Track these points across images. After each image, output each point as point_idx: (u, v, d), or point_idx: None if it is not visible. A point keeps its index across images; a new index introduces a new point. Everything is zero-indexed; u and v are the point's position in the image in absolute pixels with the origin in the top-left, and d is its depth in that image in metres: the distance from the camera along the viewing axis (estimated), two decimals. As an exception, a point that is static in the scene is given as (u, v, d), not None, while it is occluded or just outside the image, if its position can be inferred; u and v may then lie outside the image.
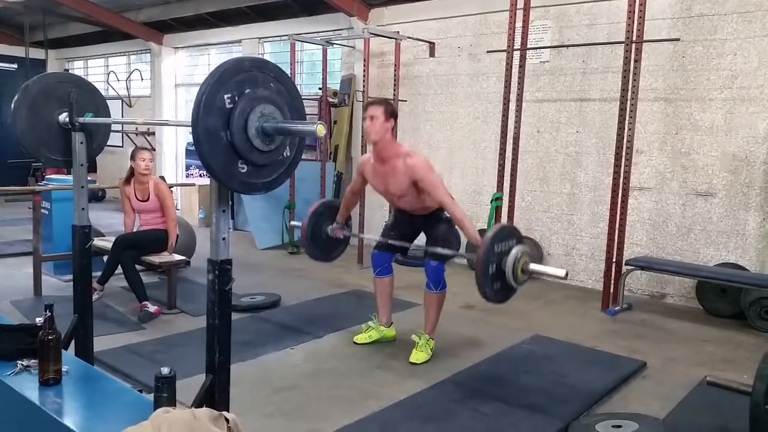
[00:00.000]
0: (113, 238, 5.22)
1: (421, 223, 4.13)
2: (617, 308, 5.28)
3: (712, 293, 5.28)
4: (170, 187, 5.42)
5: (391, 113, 3.84)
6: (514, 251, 3.27)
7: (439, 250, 3.88)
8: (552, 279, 6.41)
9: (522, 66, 5.85)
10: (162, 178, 5.98)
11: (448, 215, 3.95)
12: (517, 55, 5.84)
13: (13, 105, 2.74)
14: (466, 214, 3.81)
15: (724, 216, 5.43)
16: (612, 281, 5.34)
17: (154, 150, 5.52)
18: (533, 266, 3.36)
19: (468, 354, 4.18)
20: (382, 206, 7.36)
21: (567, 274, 3.33)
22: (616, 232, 5.28)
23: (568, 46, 6.19)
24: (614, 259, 5.32)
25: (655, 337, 4.69)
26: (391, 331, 4.39)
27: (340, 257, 4.59)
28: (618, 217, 5.26)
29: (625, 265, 5.32)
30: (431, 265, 3.99)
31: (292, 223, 4.60)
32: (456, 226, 3.97)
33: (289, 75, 2.30)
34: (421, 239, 4.21)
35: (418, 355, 4.00)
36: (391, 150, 3.86)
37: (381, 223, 7.44)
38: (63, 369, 2.17)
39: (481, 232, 6.34)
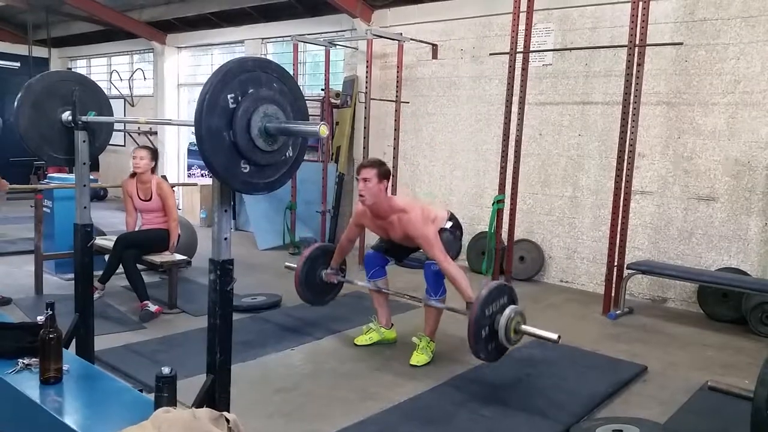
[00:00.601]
0: (115, 237, 5.22)
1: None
2: (618, 312, 5.27)
3: (714, 298, 5.27)
4: (172, 187, 5.42)
5: (384, 174, 3.88)
6: (506, 312, 3.35)
7: (434, 303, 3.99)
8: (554, 282, 6.42)
9: (525, 69, 5.85)
10: (164, 177, 5.99)
11: (450, 228, 4.06)
12: (519, 57, 5.84)
13: (16, 103, 2.75)
14: (459, 272, 3.80)
15: (726, 221, 5.43)
16: (613, 285, 5.34)
17: (156, 150, 5.47)
18: (525, 328, 3.43)
19: (468, 357, 4.15)
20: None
21: (559, 338, 3.38)
22: (618, 235, 5.28)
23: (571, 49, 6.19)
24: (616, 263, 5.32)
25: (656, 342, 4.68)
26: (391, 332, 4.39)
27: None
28: (620, 221, 5.25)
29: (627, 268, 5.31)
30: (432, 269, 3.98)
31: (286, 264, 4.68)
32: (454, 235, 4.10)
33: (292, 75, 2.29)
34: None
35: (418, 358, 3.99)
36: (386, 207, 3.94)
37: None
38: (64, 368, 2.17)
39: (482, 233, 6.39)
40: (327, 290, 4.54)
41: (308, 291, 4.40)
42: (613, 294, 5.35)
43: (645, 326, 5.07)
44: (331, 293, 4.59)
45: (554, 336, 3.35)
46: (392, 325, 4.41)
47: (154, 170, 5.23)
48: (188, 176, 10.92)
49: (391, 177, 4.03)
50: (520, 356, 4.24)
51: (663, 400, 3.60)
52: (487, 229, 6.10)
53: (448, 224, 4.09)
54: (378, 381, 3.74)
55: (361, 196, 3.88)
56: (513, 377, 3.86)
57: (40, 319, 2.15)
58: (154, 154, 5.29)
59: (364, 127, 6.90)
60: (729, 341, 4.75)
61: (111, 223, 7.58)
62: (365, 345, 4.28)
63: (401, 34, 7.10)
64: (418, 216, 3.85)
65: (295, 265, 4.40)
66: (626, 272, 5.32)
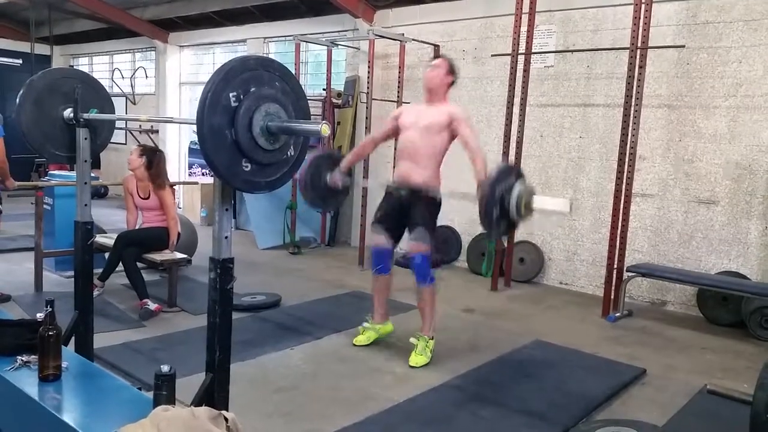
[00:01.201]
0: (115, 235, 5.22)
1: (408, 206, 4.08)
2: (618, 315, 5.27)
3: (713, 301, 5.27)
4: (172, 186, 5.42)
5: (453, 71, 4.14)
6: (515, 191, 3.32)
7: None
8: (553, 284, 6.42)
9: (526, 70, 5.85)
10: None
11: (435, 197, 4.04)
12: (521, 59, 5.84)
13: (18, 100, 2.74)
14: (483, 155, 3.90)
15: (726, 224, 5.43)
16: (613, 287, 5.34)
17: (151, 148, 5.44)
18: (535, 204, 3.42)
19: (468, 358, 4.18)
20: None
21: (571, 207, 3.38)
22: (618, 238, 5.28)
23: (572, 51, 6.19)
24: (615, 266, 5.32)
25: (655, 345, 4.68)
26: (387, 326, 4.41)
27: (340, 257, 4.58)
28: (620, 224, 5.25)
29: (627, 271, 5.31)
30: (415, 262, 4.00)
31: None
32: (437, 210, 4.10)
33: (294, 74, 2.29)
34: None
35: (417, 359, 3.99)
36: (443, 98, 4.12)
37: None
38: (63, 365, 2.17)
39: (482, 235, 6.38)
40: (332, 195, 4.35)
41: (314, 194, 4.25)
42: (612, 296, 5.35)
43: (644, 329, 5.07)
44: (335, 198, 4.42)
45: (565, 205, 3.38)
46: (388, 318, 4.43)
47: (151, 168, 5.13)
48: (189, 175, 10.92)
49: (455, 80, 4.20)
50: (519, 358, 4.25)
51: (662, 403, 3.60)
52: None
53: (432, 195, 4.08)
54: (378, 381, 3.74)
55: (427, 78, 4.09)
56: (512, 379, 3.86)
57: (40, 316, 2.15)
58: (146, 151, 5.18)
59: (366, 127, 6.90)
60: (728, 345, 4.75)
61: (112, 221, 7.59)
62: (365, 345, 4.28)
63: (403, 34, 7.11)
64: (464, 111, 4.13)
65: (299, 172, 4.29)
66: (626, 275, 5.32)
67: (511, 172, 3.45)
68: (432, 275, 4.03)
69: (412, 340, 4.09)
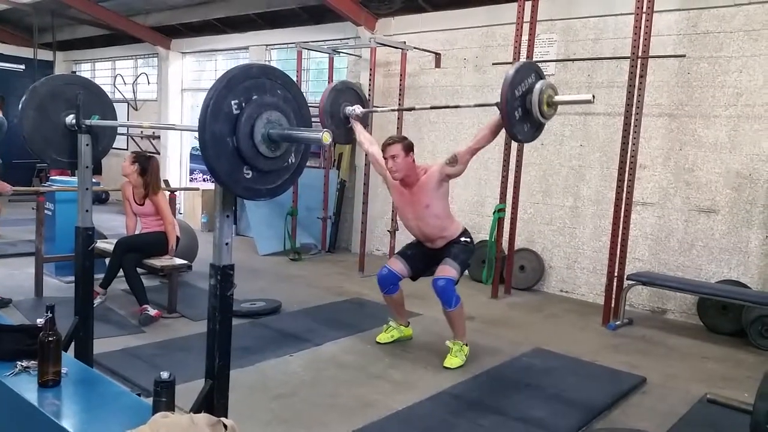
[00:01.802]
0: (115, 241, 5.22)
1: (439, 251, 4.19)
2: (618, 323, 5.27)
3: (714, 310, 5.27)
4: (173, 192, 5.42)
5: (409, 147, 4.07)
6: (536, 88, 3.24)
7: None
8: (554, 292, 6.41)
9: (527, 79, 5.86)
10: (165, 182, 5.99)
11: (464, 241, 4.15)
12: (522, 67, 5.85)
13: (20, 106, 2.76)
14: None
15: (727, 233, 5.43)
16: (613, 296, 5.33)
17: (158, 154, 5.46)
18: (558, 98, 3.32)
19: (467, 365, 4.17)
20: (384, 215, 7.38)
21: (593, 97, 3.29)
22: (618, 246, 5.28)
23: (573, 60, 6.21)
24: (616, 274, 5.31)
25: (655, 353, 4.67)
26: (408, 330, 4.56)
27: (341, 263, 4.60)
28: (620, 232, 5.25)
29: (627, 279, 5.30)
30: (439, 285, 4.02)
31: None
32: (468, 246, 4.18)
33: (296, 82, 2.31)
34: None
35: (452, 361, 4.09)
36: (417, 175, 4.10)
37: (383, 232, 7.46)
38: (62, 371, 2.17)
39: (482, 242, 6.39)
40: (346, 127, 4.56)
41: (331, 121, 4.42)
42: (613, 305, 5.34)
43: (644, 337, 5.06)
44: (344, 129, 4.58)
45: (588, 96, 3.28)
46: (408, 323, 4.57)
47: (144, 174, 5.10)
48: (190, 181, 10.95)
49: (413, 151, 4.14)
50: (519, 366, 4.24)
51: (662, 411, 3.59)
52: (487, 238, 6.10)
53: (463, 239, 4.19)
54: (377, 388, 3.73)
55: (393, 172, 4.04)
56: (512, 387, 3.85)
57: (40, 321, 2.15)
58: (138, 158, 5.16)
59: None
60: (729, 354, 4.74)
61: (112, 226, 7.59)
62: (387, 342, 4.42)
63: (405, 42, 7.13)
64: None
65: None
66: (626, 283, 5.32)
67: (530, 69, 3.33)
68: (457, 296, 4.08)
69: (448, 343, 4.17)
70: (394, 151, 4.01)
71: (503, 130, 3.69)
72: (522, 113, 3.26)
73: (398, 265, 4.30)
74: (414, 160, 4.10)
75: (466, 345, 4.18)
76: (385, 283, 4.32)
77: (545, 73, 6.31)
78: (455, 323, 4.15)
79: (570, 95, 3.43)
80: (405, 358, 4.15)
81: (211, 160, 1.86)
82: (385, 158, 4.08)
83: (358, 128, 4.51)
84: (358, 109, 4.48)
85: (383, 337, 4.46)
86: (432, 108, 6.02)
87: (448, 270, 4.03)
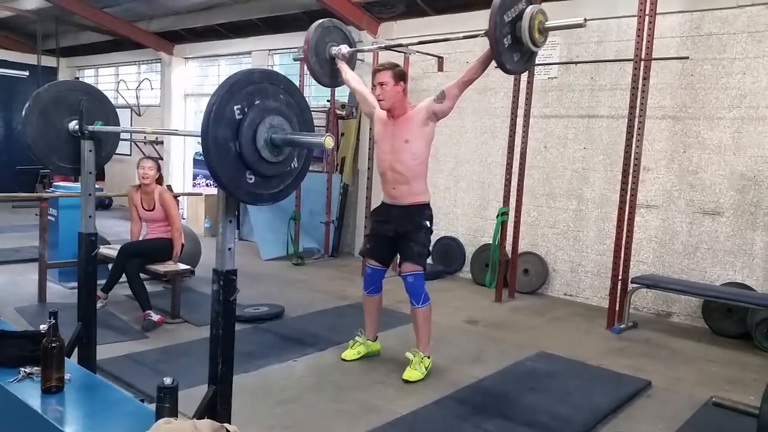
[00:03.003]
0: (119, 246, 5.23)
1: (399, 223, 3.98)
2: (623, 326, 5.25)
3: (719, 313, 5.25)
4: (177, 197, 5.44)
5: (399, 75, 3.89)
6: (527, 13, 3.08)
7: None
8: (558, 295, 6.39)
9: (530, 82, 5.87)
10: (169, 187, 6.00)
11: (426, 222, 3.95)
12: (525, 70, 5.85)
13: (24, 112, 2.76)
14: None
15: (731, 235, 5.41)
16: (618, 299, 5.31)
17: (161, 159, 5.48)
18: (550, 23, 3.17)
19: (471, 370, 4.16)
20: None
21: (585, 21, 3.10)
22: (623, 249, 5.26)
23: (576, 62, 6.20)
24: (620, 277, 5.30)
25: (660, 356, 4.65)
26: (376, 345, 4.36)
27: (344, 268, 4.57)
28: (624, 235, 5.24)
29: (631, 282, 5.29)
30: (408, 282, 3.94)
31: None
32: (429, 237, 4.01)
33: (298, 87, 2.31)
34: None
35: (411, 373, 3.92)
36: (404, 108, 3.93)
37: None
38: (65, 377, 2.16)
39: (486, 246, 6.37)
40: (332, 68, 4.26)
41: (317, 62, 4.15)
42: (617, 308, 5.32)
43: (649, 341, 5.04)
44: (333, 74, 4.29)
45: (580, 20, 3.07)
46: (377, 338, 4.37)
47: (159, 180, 5.24)
48: (193, 186, 10.98)
49: (406, 82, 3.96)
50: (524, 370, 4.22)
51: (667, 415, 3.57)
52: (491, 242, 6.09)
53: (426, 222, 3.99)
54: (380, 394, 3.72)
55: (379, 100, 3.89)
56: (517, 391, 3.83)
57: (43, 327, 2.15)
58: (158, 163, 5.32)
59: (370, 139, 6.91)
60: (734, 357, 4.72)
61: (115, 232, 7.61)
62: (354, 359, 4.22)
63: (407, 46, 7.13)
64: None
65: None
66: (631, 286, 5.30)
67: None
68: (426, 294, 3.98)
69: (408, 354, 4.02)
70: (384, 77, 3.84)
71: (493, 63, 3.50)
72: (512, 41, 3.09)
73: (373, 262, 4.17)
74: (404, 91, 3.92)
75: (428, 357, 4.01)
76: (369, 282, 4.20)
77: (549, 76, 6.37)
78: (420, 326, 4.00)
79: (563, 21, 3.24)
80: (408, 360, 4.13)
81: (213, 165, 1.86)
82: (373, 85, 3.92)
83: (344, 68, 4.22)
84: (344, 48, 4.19)
85: (349, 353, 4.24)
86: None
87: (414, 266, 3.92)
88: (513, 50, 3.18)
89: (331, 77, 4.31)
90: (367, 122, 7.24)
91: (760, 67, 5.23)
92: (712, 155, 5.48)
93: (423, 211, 3.98)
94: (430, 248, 4.13)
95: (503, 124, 6.47)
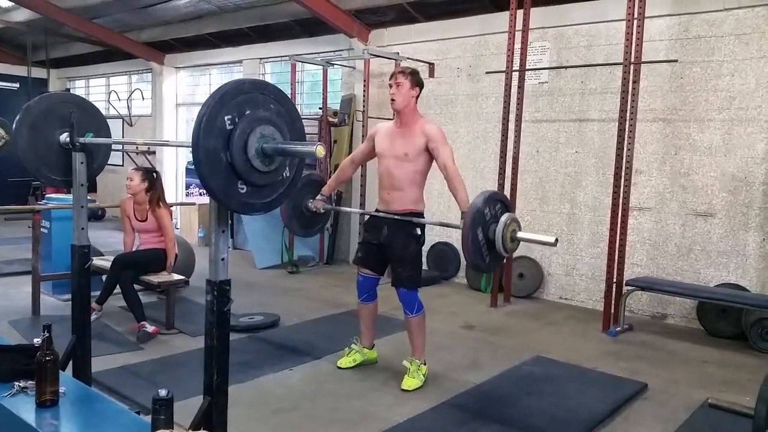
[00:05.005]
0: (112, 258, 5.21)
1: (389, 234, 3.95)
2: (618, 329, 5.26)
3: (713, 314, 5.26)
4: (170, 207, 5.41)
5: (417, 82, 3.89)
6: (502, 219, 3.17)
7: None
8: (553, 299, 6.40)
9: (521, 87, 5.89)
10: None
11: (416, 230, 3.90)
12: (516, 76, 5.88)
13: (14, 124, 2.76)
14: (462, 181, 3.78)
15: (724, 236, 5.43)
16: (612, 302, 5.33)
17: (150, 170, 5.43)
18: (522, 234, 3.25)
19: (468, 375, 4.16)
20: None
21: (557, 241, 3.20)
22: (616, 252, 5.28)
23: (566, 67, 6.23)
24: (615, 280, 5.31)
25: (656, 359, 4.66)
26: (373, 353, 4.34)
27: (339, 275, 4.56)
28: (618, 237, 5.26)
29: (626, 285, 5.30)
30: (401, 291, 3.94)
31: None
32: (422, 238, 3.96)
33: (290, 95, 2.31)
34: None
35: (409, 382, 3.90)
36: (414, 116, 3.92)
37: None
38: (60, 390, 2.16)
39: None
40: (314, 221, 4.24)
41: (295, 221, 4.13)
42: (612, 311, 5.34)
43: (645, 343, 5.05)
44: (319, 224, 4.31)
45: (551, 239, 3.17)
46: (373, 345, 4.36)
47: (150, 190, 5.16)
48: (186, 195, 10.92)
49: (421, 90, 3.95)
50: (520, 374, 4.23)
51: (663, 417, 3.58)
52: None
53: (418, 230, 3.94)
54: (377, 401, 3.72)
55: (392, 100, 3.88)
56: (513, 396, 3.84)
57: (37, 341, 2.14)
58: (147, 174, 5.19)
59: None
60: (729, 358, 4.73)
61: (108, 243, 7.57)
62: (349, 367, 4.21)
63: (398, 53, 7.16)
64: (440, 129, 3.91)
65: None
66: (625, 289, 5.31)
67: (496, 200, 3.29)
68: (419, 303, 3.97)
69: (405, 363, 4.01)
70: (401, 79, 3.85)
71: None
72: (485, 242, 3.20)
73: (365, 270, 4.15)
74: (417, 99, 3.91)
75: (425, 364, 4.01)
76: (362, 290, 4.19)
77: (539, 81, 6.40)
78: (415, 335, 4.00)
79: (534, 235, 3.35)
80: (403, 371, 4.12)
81: (205, 175, 1.86)
82: (390, 84, 3.92)
83: (325, 203, 4.16)
84: (318, 201, 4.09)
85: (345, 361, 4.23)
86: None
87: (406, 290, 3.91)
88: (486, 252, 3.25)
89: (317, 226, 4.35)
90: (359, 129, 7.27)
91: (748, 69, 5.27)
92: (703, 157, 5.51)
93: (412, 220, 3.91)
94: (423, 259, 4.08)
95: (495, 129, 6.50)
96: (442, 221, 3.93)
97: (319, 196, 4.11)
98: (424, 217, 4.00)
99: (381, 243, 4.00)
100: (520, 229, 3.27)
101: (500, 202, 3.31)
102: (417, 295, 3.96)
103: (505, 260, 3.33)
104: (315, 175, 4.30)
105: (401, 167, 3.90)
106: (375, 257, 4.10)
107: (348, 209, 3.84)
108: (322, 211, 4.14)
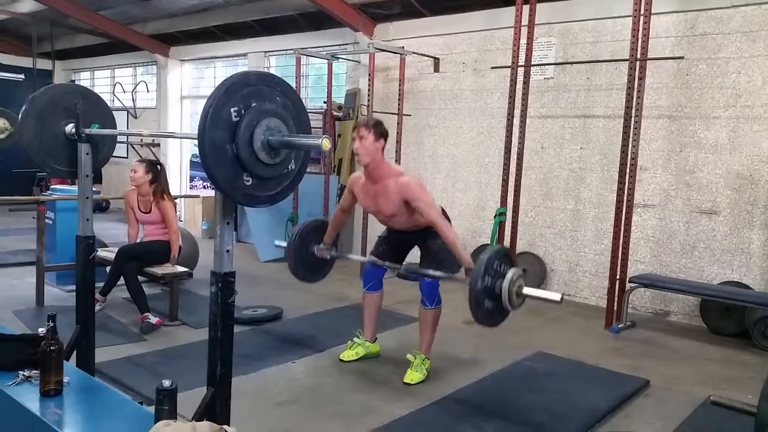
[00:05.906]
0: (116, 249, 5.22)
1: (414, 237, 4.02)
2: (621, 326, 5.26)
3: (716, 312, 5.26)
4: (174, 199, 5.42)
5: (381, 133, 3.72)
6: (509, 274, 3.17)
7: (431, 272, 3.79)
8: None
9: (526, 82, 5.87)
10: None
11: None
12: (521, 71, 5.87)
13: (20, 115, 2.76)
14: (457, 237, 3.71)
15: (728, 234, 5.42)
16: (616, 298, 5.32)
17: (154, 162, 5.44)
18: (527, 290, 3.24)
19: (469, 370, 4.16)
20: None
21: (562, 299, 3.20)
22: (620, 249, 5.27)
23: (572, 63, 6.22)
24: (618, 277, 5.31)
25: (658, 356, 4.66)
26: (375, 346, 4.34)
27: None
28: (622, 234, 5.25)
29: (629, 282, 5.30)
30: (425, 281, 3.94)
31: (276, 243, 4.47)
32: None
33: (295, 89, 2.31)
34: (414, 253, 4.15)
35: (412, 375, 3.91)
36: (383, 170, 3.75)
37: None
38: (64, 380, 2.17)
39: (483, 247, 6.37)
40: (320, 266, 4.23)
41: (302, 268, 4.13)
42: (615, 307, 5.34)
43: (647, 340, 5.05)
44: (324, 269, 4.29)
45: (557, 296, 3.15)
46: (376, 339, 4.36)
47: (155, 182, 5.18)
48: (190, 188, 10.96)
49: (386, 139, 3.79)
50: (522, 370, 4.23)
51: (665, 414, 3.58)
52: (488, 242, 6.09)
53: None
54: (379, 395, 3.72)
55: (357, 155, 3.75)
56: (515, 391, 3.84)
57: (41, 331, 2.15)
58: (152, 166, 5.20)
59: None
60: (732, 355, 4.73)
61: (113, 235, 7.59)
62: (352, 360, 4.21)
63: (403, 47, 7.14)
64: (414, 179, 3.77)
65: (285, 244, 4.18)
66: (628, 286, 5.31)
67: (502, 257, 3.23)
68: (439, 297, 3.99)
69: (409, 356, 4.02)
70: (364, 132, 3.67)
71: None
72: (490, 294, 3.14)
73: (380, 261, 4.14)
74: (383, 150, 3.73)
75: (428, 359, 4.00)
76: (368, 278, 4.20)
77: (545, 77, 6.38)
78: (426, 328, 4.00)
79: (540, 292, 3.33)
80: (405, 365, 4.12)
81: (210, 167, 1.86)
82: (353, 139, 3.79)
83: (329, 250, 4.13)
84: (323, 248, 4.08)
85: (348, 354, 4.23)
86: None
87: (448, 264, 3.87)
88: (489, 302, 3.18)
89: (324, 270, 4.27)
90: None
91: (754, 66, 5.25)
92: (709, 154, 5.49)
93: (418, 271, 3.90)
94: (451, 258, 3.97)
95: (500, 124, 6.48)
96: (450, 276, 3.87)
97: (322, 245, 4.08)
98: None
99: (405, 239, 4.04)
100: (525, 285, 3.25)
101: (505, 258, 3.24)
102: (438, 289, 3.97)
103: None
104: (318, 221, 4.28)
105: (395, 221, 3.91)
106: (398, 251, 4.11)
107: (355, 257, 3.95)
108: (329, 257, 4.13)
